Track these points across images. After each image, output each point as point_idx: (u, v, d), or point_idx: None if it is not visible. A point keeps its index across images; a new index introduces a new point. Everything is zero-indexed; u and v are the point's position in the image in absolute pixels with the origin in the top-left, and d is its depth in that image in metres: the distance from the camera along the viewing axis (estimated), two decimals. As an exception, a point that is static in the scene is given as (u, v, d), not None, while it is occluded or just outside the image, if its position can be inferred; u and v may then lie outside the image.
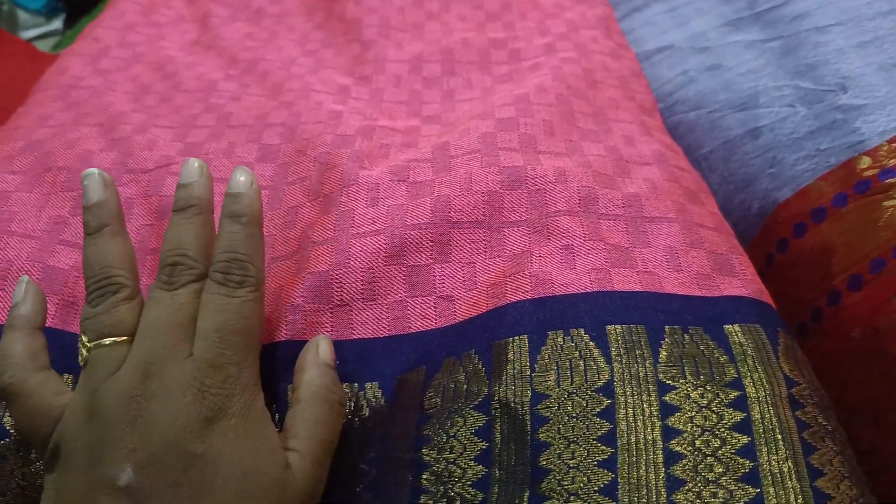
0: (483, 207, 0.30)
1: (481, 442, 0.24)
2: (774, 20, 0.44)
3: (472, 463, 0.24)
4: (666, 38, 0.49)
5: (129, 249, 0.26)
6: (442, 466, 0.24)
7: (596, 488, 0.22)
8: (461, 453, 0.24)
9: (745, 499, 0.22)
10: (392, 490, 0.24)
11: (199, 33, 0.48)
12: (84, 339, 0.24)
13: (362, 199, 0.31)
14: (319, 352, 0.26)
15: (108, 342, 0.23)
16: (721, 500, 0.22)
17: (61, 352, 0.27)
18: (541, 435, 0.24)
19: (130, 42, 0.45)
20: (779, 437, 0.23)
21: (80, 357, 0.24)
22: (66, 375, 0.27)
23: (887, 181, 0.33)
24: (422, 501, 0.24)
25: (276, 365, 0.27)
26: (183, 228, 0.25)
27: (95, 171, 0.26)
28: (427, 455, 0.25)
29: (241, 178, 0.26)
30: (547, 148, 0.34)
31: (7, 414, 0.25)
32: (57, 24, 0.68)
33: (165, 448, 0.21)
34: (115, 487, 0.20)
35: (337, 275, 0.29)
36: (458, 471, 0.24)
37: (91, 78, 0.42)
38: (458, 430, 0.25)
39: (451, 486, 0.24)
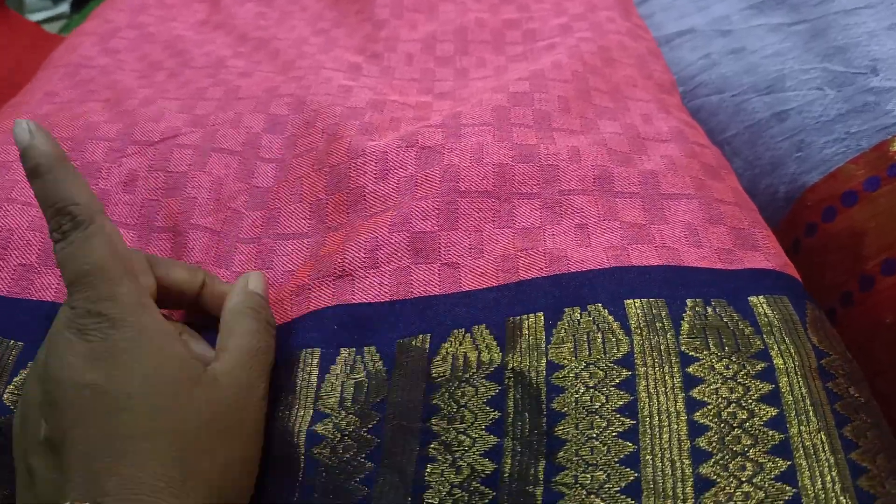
0: (493, 178, 0.30)
1: (493, 411, 0.24)
2: (799, 4, 0.43)
3: (483, 433, 0.23)
4: (687, 22, 0.47)
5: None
6: (451, 436, 0.23)
7: (617, 459, 0.22)
8: (472, 423, 0.23)
9: (776, 471, 0.21)
10: (398, 459, 0.23)
11: (209, 13, 0.47)
12: None
13: (370, 172, 0.30)
14: (249, 282, 0.27)
15: None
16: (750, 472, 0.21)
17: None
18: (555, 404, 0.23)
19: (141, 23, 0.45)
20: (810, 408, 0.22)
21: None
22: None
23: (923, 162, 0.32)
24: (428, 470, 0.23)
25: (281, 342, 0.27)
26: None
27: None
28: (436, 425, 0.24)
29: (17, 132, 0.23)
30: (562, 125, 0.33)
31: (7, 389, 0.25)
32: (64, 7, 0.67)
33: (59, 387, 0.21)
34: (38, 443, 0.21)
35: (343, 249, 0.28)
36: (468, 440, 0.23)
37: (100, 57, 0.41)
38: (469, 400, 0.24)
39: (460, 455, 0.23)
